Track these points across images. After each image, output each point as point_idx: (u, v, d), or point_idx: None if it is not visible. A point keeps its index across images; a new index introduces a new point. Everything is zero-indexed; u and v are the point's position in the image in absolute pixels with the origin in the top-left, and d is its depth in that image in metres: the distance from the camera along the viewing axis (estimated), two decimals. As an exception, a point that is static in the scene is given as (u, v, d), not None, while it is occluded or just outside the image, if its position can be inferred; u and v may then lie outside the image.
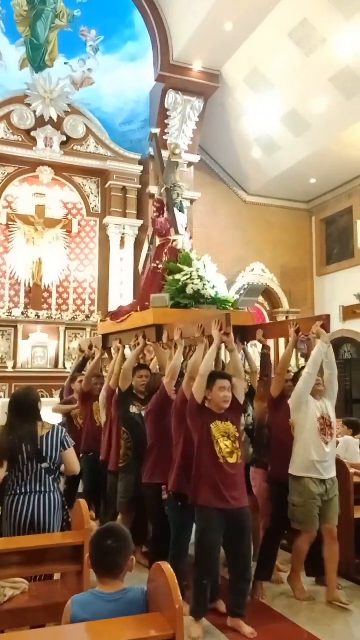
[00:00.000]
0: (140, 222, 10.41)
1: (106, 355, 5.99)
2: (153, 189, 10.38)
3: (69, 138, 10.18)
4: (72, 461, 3.49)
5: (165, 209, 5.79)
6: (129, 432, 4.69)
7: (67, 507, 3.55)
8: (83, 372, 6.02)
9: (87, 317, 9.98)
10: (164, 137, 10.43)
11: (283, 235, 12.05)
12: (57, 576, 3.54)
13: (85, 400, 5.64)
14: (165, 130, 10.42)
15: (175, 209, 5.75)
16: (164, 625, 2.04)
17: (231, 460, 3.53)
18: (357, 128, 9.23)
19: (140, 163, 10.53)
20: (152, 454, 4.24)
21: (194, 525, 3.63)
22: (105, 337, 5.88)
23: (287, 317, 10.73)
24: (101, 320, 6.52)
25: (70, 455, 3.47)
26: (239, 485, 3.57)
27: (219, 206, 11.45)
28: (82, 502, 3.39)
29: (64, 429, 3.58)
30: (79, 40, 10.39)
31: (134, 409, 4.68)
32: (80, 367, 6.22)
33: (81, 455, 5.49)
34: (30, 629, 2.86)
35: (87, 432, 5.55)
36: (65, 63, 10.44)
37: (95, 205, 10.61)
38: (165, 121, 10.35)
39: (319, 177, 11.10)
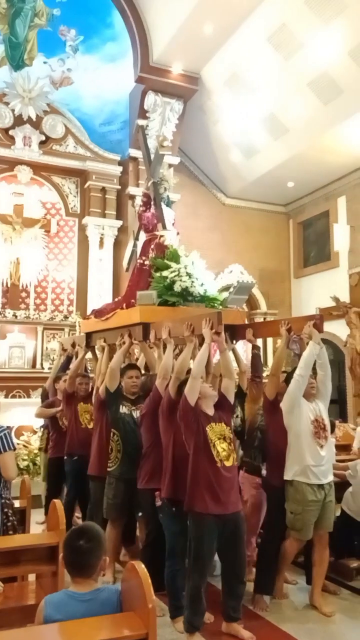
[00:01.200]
0: (120, 222, 10.41)
1: (90, 355, 5.83)
2: (132, 190, 10.42)
3: (47, 137, 10.12)
4: (6, 466, 3.35)
5: (152, 203, 5.59)
6: (119, 433, 4.50)
7: (7, 510, 3.47)
8: (67, 372, 5.82)
9: (66, 317, 9.93)
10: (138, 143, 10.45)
11: (261, 238, 12.14)
12: (31, 577, 3.54)
13: (69, 401, 5.45)
14: (145, 132, 10.42)
15: (162, 203, 5.56)
16: (137, 625, 2.06)
17: (228, 464, 3.46)
18: (334, 133, 9.36)
19: (119, 164, 10.52)
20: (150, 458, 4.09)
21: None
22: (89, 335, 5.68)
23: (264, 319, 10.81)
24: (84, 318, 6.29)
25: (5, 459, 3.33)
26: (235, 488, 3.51)
27: (198, 208, 11.50)
28: (57, 503, 3.40)
29: (6, 431, 3.43)
30: (58, 39, 10.34)
31: (123, 409, 4.53)
32: (64, 367, 6.01)
33: (65, 457, 5.39)
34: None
35: (72, 434, 5.36)
36: (45, 62, 10.38)
37: (74, 205, 10.57)
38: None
39: (297, 180, 11.22)
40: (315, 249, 12.10)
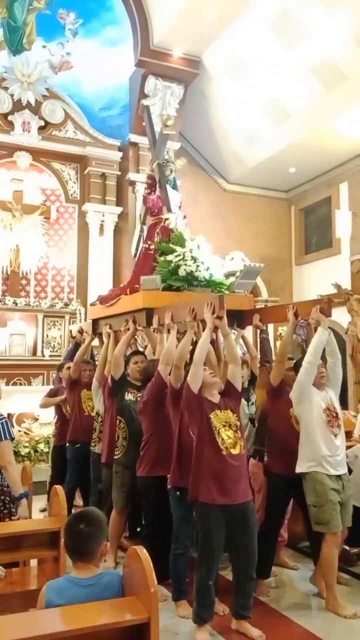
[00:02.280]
0: (120, 209, 10.34)
1: (97, 341, 5.75)
2: (133, 176, 10.34)
3: (47, 123, 10.02)
4: (2, 454, 3.38)
5: (157, 185, 5.46)
6: (125, 420, 4.45)
7: (3, 497, 3.48)
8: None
9: (66, 304, 9.90)
10: (143, 124, 10.34)
11: (263, 225, 12.07)
12: (33, 562, 3.55)
13: (73, 388, 5.40)
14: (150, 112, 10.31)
15: (168, 185, 5.42)
16: (139, 609, 2.06)
17: (234, 452, 3.32)
18: (337, 119, 9.26)
19: (119, 149, 10.43)
20: (151, 446, 4.02)
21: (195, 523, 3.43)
22: (95, 322, 5.62)
23: (265, 306, 10.78)
24: (91, 304, 6.20)
25: (1, 447, 3.36)
26: (243, 477, 3.37)
27: (199, 195, 11.41)
28: (59, 489, 3.39)
29: (4, 420, 3.46)
30: (57, 23, 10.19)
31: (129, 396, 4.47)
32: (71, 354, 5.96)
33: (67, 445, 5.39)
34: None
35: (75, 421, 5.32)
36: (44, 46, 10.23)
37: (74, 192, 10.49)
38: (145, 107, 10.25)
39: (299, 166, 11.13)
40: (316, 236, 12.03)
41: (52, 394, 5.98)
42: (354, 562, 4.44)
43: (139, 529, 4.63)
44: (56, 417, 5.91)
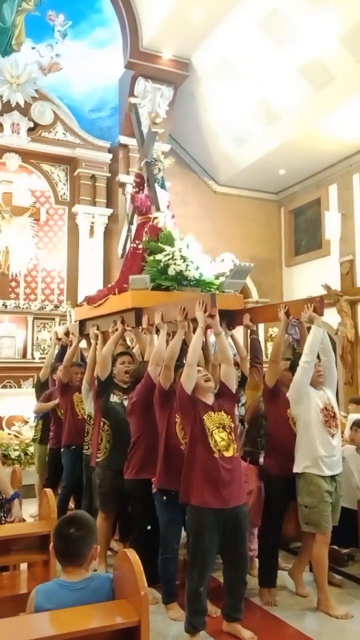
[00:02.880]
0: (110, 210, 10.32)
1: (85, 343, 5.66)
2: (123, 178, 10.32)
3: (36, 124, 9.98)
4: None
5: (145, 184, 5.40)
6: (109, 422, 4.39)
7: None
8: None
9: (56, 306, 9.86)
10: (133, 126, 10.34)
11: (252, 226, 12.10)
12: (23, 566, 3.52)
13: (65, 392, 5.33)
14: (137, 110, 10.31)
15: (156, 184, 5.36)
16: (130, 612, 2.05)
17: (227, 454, 3.26)
18: (325, 120, 9.30)
19: (109, 151, 10.41)
20: (139, 448, 3.96)
21: (185, 526, 3.39)
22: (83, 323, 5.51)
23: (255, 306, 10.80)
24: (77, 305, 6.12)
25: None
26: (236, 481, 3.30)
27: (189, 196, 11.42)
28: (49, 492, 3.37)
29: None
30: (46, 24, 10.16)
31: (114, 398, 4.42)
32: (59, 357, 5.89)
33: (62, 449, 5.32)
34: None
35: (69, 425, 5.26)
36: (33, 48, 10.19)
37: (64, 193, 10.46)
38: (135, 109, 10.25)
39: (288, 168, 11.17)
40: (306, 237, 12.07)
41: (45, 398, 5.90)
42: (345, 562, 4.44)
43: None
44: (52, 420, 5.81)
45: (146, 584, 2.06)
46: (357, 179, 10.48)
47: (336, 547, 4.40)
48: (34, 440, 6.62)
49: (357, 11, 7.72)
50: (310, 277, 11.23)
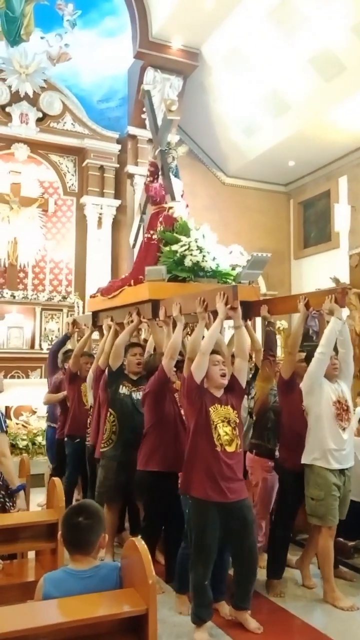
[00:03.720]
0: (118, 202, 10.29)
1: (97, 335, 5.62)
2: (131, 169, 10.29)
3: (45, 114, 9.95)
4: None
5: (159, 173, 5.30)
6: (116, 414, 4.32)
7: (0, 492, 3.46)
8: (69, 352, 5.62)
9: (64, 297, 9.87)
10: (142, 116, 10.29)
11: (261, 218, 12.03)
12: (31, 554, 3.55)
13: (73, 381, 5.30)
14: (144, 109, 10.23)
15: (170, 173, 5.26)
16: (137, 601, 2.06)
17: (229, 449, 3.23)
18: (336, 111, 9.21)
19: (118, 142, 10.37)
20: (149, 439, 3.91)
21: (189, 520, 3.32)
22: (96, 315, 5.45)
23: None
24: (91, 296, 6.04)
25: None
26: (237, 475, 3.27)
27: (197, 187, 11.36)
28: (57, 481, 3.39)
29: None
30: (55, 14, 10.11)
31: (123, 389, 4.35)
32: (60, 345, 5.84)
33: (65, 439, 5.29)
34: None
35: (74, 415, 5.23)
36: (42, 37, 10.14)
37: (72, 184, 10.44)
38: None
39: (298, 159, 11.08)
40: (315, 230, 12.00)
41: (54, 388, 5.84)
42: (351, 554, 4.44)
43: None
44: (60, 410, 5.76)
45: (154, 573, 2.07)
46: (368, 171, 10.40)
47: (342, 540, 4.39)
48: (45, 430, 6.59)
49: (370, 0, 7.63)
50: (319, 270, 11.17)
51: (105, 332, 5.01)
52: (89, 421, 4.96)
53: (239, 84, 9.96)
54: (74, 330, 5.78)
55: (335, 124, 9.56)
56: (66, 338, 5.87)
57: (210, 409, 3.26)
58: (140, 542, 2.15)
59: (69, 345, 6.07)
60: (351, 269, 10.50)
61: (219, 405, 3.31)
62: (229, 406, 3.33)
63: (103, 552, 4.43)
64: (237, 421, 3.34)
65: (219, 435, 3.22)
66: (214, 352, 3.37)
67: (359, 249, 10.39)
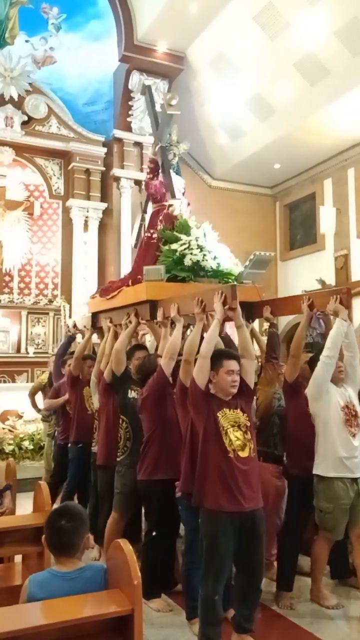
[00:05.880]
0: (104, 205, 10.29)
1: (96, 337, 5.43)
2: (117, 172, 10.29)
3: (30, 118, 9.94)
4: None
5: (159, 170, 5.11)
6: (127, 419, 4.08)
7: None
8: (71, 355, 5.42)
9: (50, 301, 9.85)
10: (128, 119, 10.31)
11: (248, 220, 12.08)
12: (18, 558, 3.53)
13: (74, 385, 5.05)
14: (130, 112, 10.29)
15: (171, 170, 5.12)
16: (123, 601, 2.06)
17: (242, 454, 3.03)
18: (320, 114, 9.29)
19: (104, 145, 10.38)
20: (152, 447, 3.72)
21: (200, 531, 3.10)
22: (95, 316, 5.29)
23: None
24: (90, 297, 5.87)
25: None
26: (252, 482, 3.05)
27: (183, 190, 11.39)
28: (43, 485, 3.38)
29: None
30: (40, 17, 10.11)
31: (132, 394, 4.12)
32: (64, 349, 5.67)
33: (69, 445, 5.06)
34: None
35: (78, 420, 4.98)
36: (27, 41, 10.14)
37: (58, 188, 10.42)
38: (130, 102, 10.22)
39: (283, 162, 11.16)
40: (301, 232, 12.08)
41: (54, 393, 5.63)
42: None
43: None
44: (59, 415, 5.55)
45: (139, 573, 2.07)
46: (352, 174, 10.49)
47: None
48: (48, 435, 6.33)
49: (352, 6, 7.71)
50: (305, 272, 11.24)
51: (105, 333, 4.81)
52: (95, 426, 4.71)
53: (224, 87, 10.02)
54: (76, 332, 5.62)
55: (320, 128, 9.65)
56: (70, 340, 5.71)
57: (218, 414, 3.08)
58: (125, 544, 2.15)
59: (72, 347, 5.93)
60: (337, 270, 10.59)
61: (228, 410, 3.11)
62: (238, 409, 3.13)
63: (96, 553, 4.40)
64: (248, 424, 3.14)
65: (230, 440, 3.03)
66: (232, 357, 3.19)
67: (344, 251, 10.49)
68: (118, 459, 4.09)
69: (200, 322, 3.48)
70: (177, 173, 5.27)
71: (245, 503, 2.97)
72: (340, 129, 9.63)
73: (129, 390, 4.12)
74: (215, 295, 3.35)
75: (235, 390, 3.14)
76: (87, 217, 10.19)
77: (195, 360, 3.27)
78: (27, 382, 8.87)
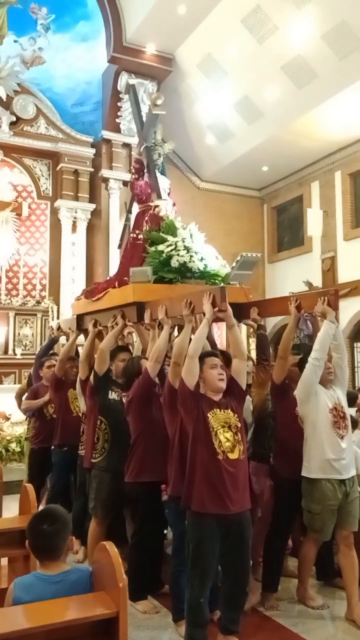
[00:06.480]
0: (93, 206, 10.28)
1: (82, 339, 5.30)
2: (106, 173, 10.28)
3: (18, 118, 9.90)
4: None
5: (145, 170, 5.07)
6: (107, 421, 4.04)
7: None
8: (51, 357, 5.39)
9: (38, 302, 9.81)
10: (117, 120, 10.31)
11: (235, 222, 12.14)
12: (3, 561, 3.51)
13: (58, 387, 4.95)
14: (118, 113, 10.29)
15: (156, 171, 5.08)
16: (108, 604, 2.05)
17: (232, 456, 2.99)
18: (308, 117, 9.36)
19: (92, 146, 10.36)
20: (138, 449, 3.69)
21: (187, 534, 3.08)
22: (80, 318, 5.22)
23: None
24: (75, 299, 5.80)
25: None
26: (240, 485, 3.00)
27: (172, 192, 11.37)
28: (29, 487, 3.36)
29: None
30: (29, 17, 10.08)
31: (113, 395, 4.07)
32: (46, 350, 5.61)
33: (53, 448, 4.97)
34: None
35: (62, 423, 4.88)
36: (15, 41, 10.11)
37: (46, 188, 10.39)
38: (118, 104, 10.22)
39: (271, 165, 11.22)
40: (288, 234, 12.15)
41: (32, 395, 5.50)
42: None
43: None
44: (35, 418, 5.42)
45: (125, 576, 2.07)
46: (339, 177, 10.58)
47: None
48: (26, 439, 6.27)
49: (339, 10, 7.78)
50: (293, 274, 11.32)
51: (90, 335, 4.72)
52: (82, 429, 4.64)
53: (212, 89, 10.05)
54: (59, 334, 5.58)
55: (307, 131, 9.71)
56: (52, 342, 5.65)
57: (208, 414, 3.03)
58: (111, 546, 2.15)
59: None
60: (323, 272, 10.66)
61: (218, 410, 3.06)
62: (229, 410, 3.09)
63: (82, 556, 4.34)
64: (239, 425, 3.09)
65: (220, 442, 2.98)
66: (211, 354, 3.21)
67: (331, 253, 10.56)
68: (94, 460, 4.04)
69: (189, 323, 3.43)
70: (162, 173, 5.27)
71: (232, 506, 2.93)
72: (327, 132, 9.71)
73: (110, 392, 4.08)
74: (204, 296, 3.31)
75: (223, 385, 3.12)
76: (75, 218, 10.17)
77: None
78: (15, 383, 8.83)
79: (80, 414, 4.74)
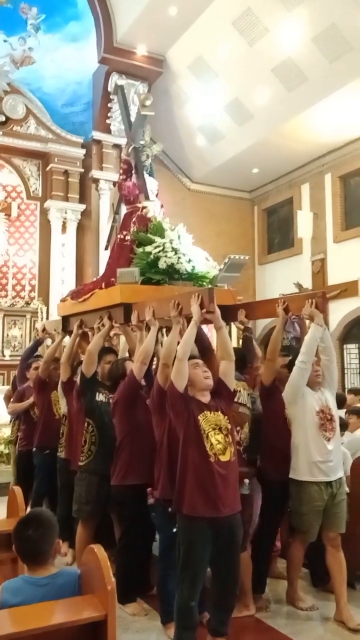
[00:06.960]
0: (83, 206, 10.25)
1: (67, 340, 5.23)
2: (96, 173, 10.26)
3: (7, 118, 9.85)
4: None
5: (133, 171, 5.06)
6: (94, 423, 4.01)
7: None
8: (37, 359, 5.35)
9: (27, 303, 9.76)
10: (107, 121, 10.29)
11: (226, 224, 12.15)
12: (-9, 564, 3.48)
13: (42, 389, 4.94)
14: (109, 114, 10.27)
15: (144, 172, 5.08)
16: (96, 607, 2.04)
17: (223, 458, 2.97)
18: (298, 120, 9.39)
19: (82, 146, 10.33)
20: (123, 452, 3.69)
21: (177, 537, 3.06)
22: (66, 319, 5.18)
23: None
24: (61, 300, 5.75)
25: None
26: (231, 487, 3.00)
27: (162, 193, 11.30)
28: (17, 490, 3.33)
29: None
30: (19, 17, 10.03)
31: (100, 397, 4.06)
32: (31, 352, 5.59)
33: (34, 450, 4.96)
34: None
35: (44, 425, 4.87)
36: (5, 41, 10.07)
37: (36, 189, 10.35)
38: (109, 104, 10.20)
39: (261, 167, 11.26)
40: (279, 236, 12.19)
41: (19, 397, 5.48)
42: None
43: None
44: (22, 420, 5.41)
45: (113, 579, 2.06)
46: (329, 179, 10.62)
47: None
48: (10, 442, 6.29)
49: (329, 13, 7.82)
50: (283, 276, 11.35)
51: (74, 336, 4.74)
52: (62, 431, 4.67)
53: (203, 91, 10.06)
54: (44, 336, 5.54)
55: (297, 133, 9.75)
56: (37, 344, 5.61)
57: (199, 417, 3.02)
58: (99, 549, 2.13)
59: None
60: (313, 274, 10.70)
61: (209, 412, 3.06)
62: (219, 412, 3.09)
63: (70, 558, 4.30)
64: (229, 427, 3.10)
65: (211, 444, 2.98)
66: (191, 356, 3.19)
67: (321, 255, 10.60)
68: (81, 463, 4.01)
69: (177, 325, 3.43)
70: (151, 174, 5.24)
71: (224, 508, 2.93)
72: (317, 134, 9.75)
73: (97, 394, 4.06)
74: (192, 298, 3.30)
75: (210, 382, 3.13)
76: (65, 218, 10.13)
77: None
78: (3, 385, 8.77)
79: (63, 416, 4.70)
